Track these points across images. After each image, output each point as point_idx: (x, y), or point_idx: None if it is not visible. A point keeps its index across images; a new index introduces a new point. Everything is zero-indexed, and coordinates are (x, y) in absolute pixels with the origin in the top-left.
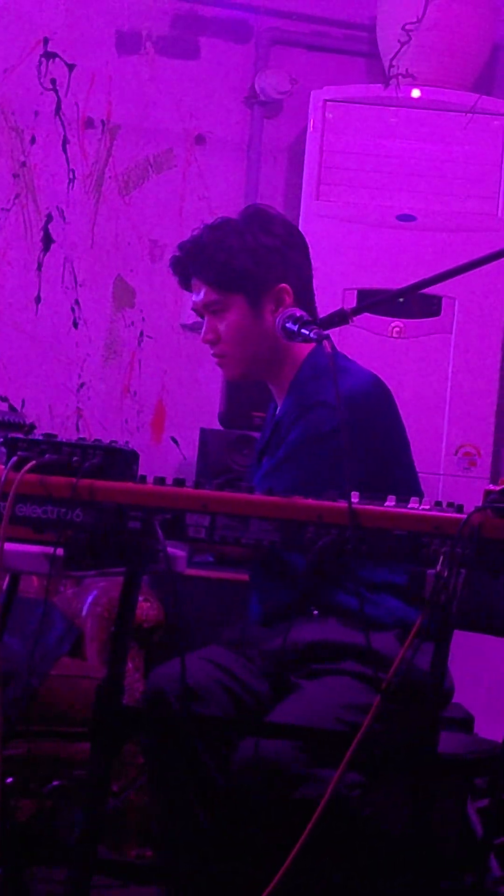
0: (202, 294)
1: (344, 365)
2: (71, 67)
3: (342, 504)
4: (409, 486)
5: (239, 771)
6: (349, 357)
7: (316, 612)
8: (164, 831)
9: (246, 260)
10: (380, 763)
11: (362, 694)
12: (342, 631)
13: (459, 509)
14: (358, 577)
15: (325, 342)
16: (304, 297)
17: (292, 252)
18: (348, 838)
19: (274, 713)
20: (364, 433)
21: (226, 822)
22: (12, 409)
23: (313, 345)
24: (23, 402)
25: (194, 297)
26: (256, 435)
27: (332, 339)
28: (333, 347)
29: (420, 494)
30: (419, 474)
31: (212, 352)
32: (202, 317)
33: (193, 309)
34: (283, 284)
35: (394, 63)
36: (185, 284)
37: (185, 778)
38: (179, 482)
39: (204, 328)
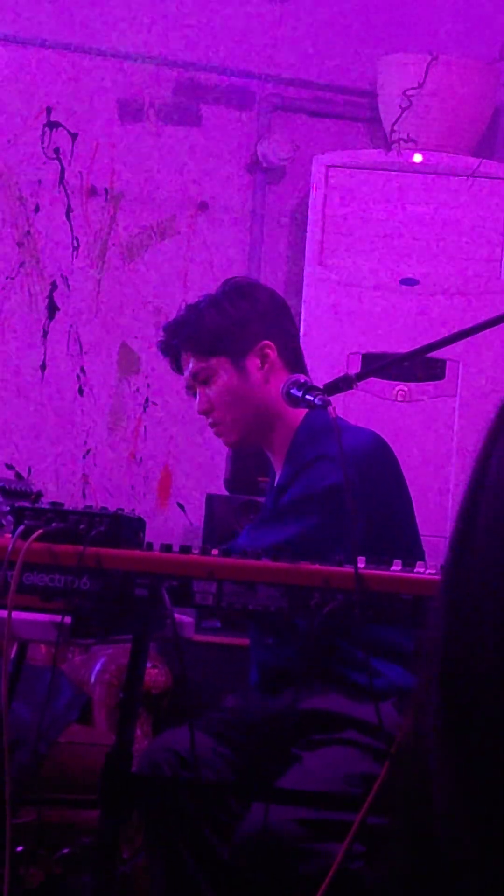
0: (190, 365)
1: (341, 425)
2: (74, 136)
3: (348, 569)
4: (411, 545)
5: (241, 845)
6: (347, 420)
7: (317, 680)
8: None
9: (223, 322)
10: (386, 832)
11: (365, 764)
12: (341, 701)
13: None
14: (364, 644)
15: (330, 408)
16: (289, 353)
17: (271, 312)
18: None
19: (277, 785)
20: (367, 490)
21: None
22: (19, 476)
23: (307, 410)
24: (29, 469)
25: (185, 373)
26: (263, 500)
27: (337, 402)
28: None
29: (422, 554)
30: (425, 537)
31: (208, 422)
32: (195, 393)
33: (187, 387)
34: (266, 341)
35: (395, 128)
36: (176, 366)
37: (185, 852)
38: (186, 549)
39: (197, 400)
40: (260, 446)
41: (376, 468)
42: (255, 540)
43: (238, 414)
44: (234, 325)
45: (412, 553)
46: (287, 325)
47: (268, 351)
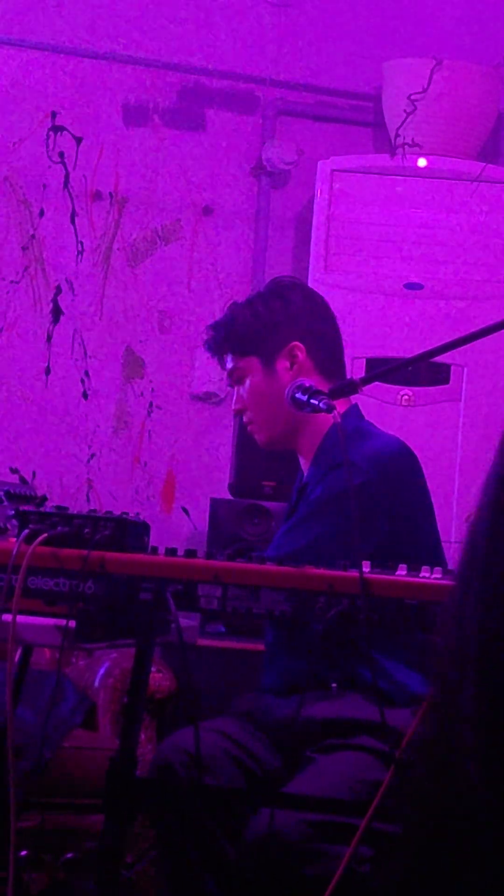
0: (227, 363)
1: (369, 430)
2: (79, 140)
3: (353, 573)
4: (432, 551)
5: (250, 845)
6: (375, 425)
7: (334, 684)
8: None
9: (253, 323)
10: (394, 837)
11: (377, 770)
12: (358, 707)
13: None
14: (370, 648)
15: (335, 413)
16: (322, 355)
17: (305, 313)
18: None
19: (288, 787)
20: (389, 493)
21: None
22: (23, 480)
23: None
24: (33, 473)
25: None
26: (267, 504)
27: (342, 407)
28: (360, 414)
29: (443, 561)
30: None
31: (244, 421)
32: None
33: (228, 386)
34: (295, 342)
35: (400, 133)
36: (222, 364)
37: (195, 852)
38: (191, 553)
39: (233, 399)
40: (291, 447)
41: (399, 472)
42: (279, 548)
43: (268, 414)
44: (263, 325)
45: (433, 560)
46: (323, 328)
47: (297, 352)
